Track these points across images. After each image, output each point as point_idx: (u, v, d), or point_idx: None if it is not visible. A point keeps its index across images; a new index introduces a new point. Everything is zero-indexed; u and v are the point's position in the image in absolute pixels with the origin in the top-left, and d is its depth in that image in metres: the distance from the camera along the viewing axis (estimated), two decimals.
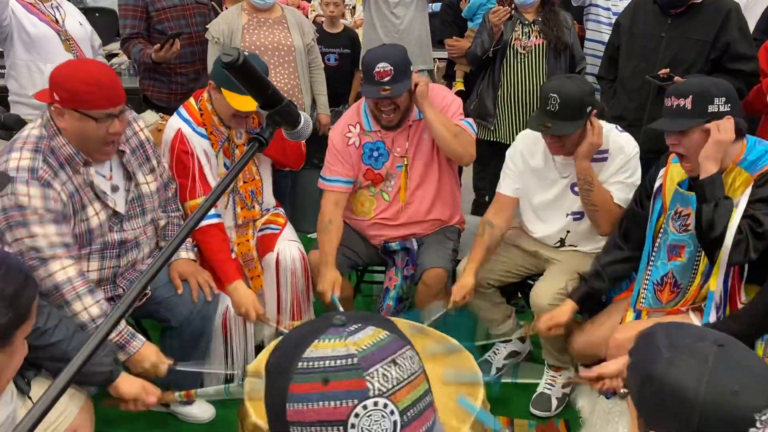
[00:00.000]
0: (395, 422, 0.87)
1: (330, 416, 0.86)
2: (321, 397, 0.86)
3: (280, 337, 2.36)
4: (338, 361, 0.88)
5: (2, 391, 1.41)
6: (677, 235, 2.28)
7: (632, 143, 2.62)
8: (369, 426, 0.86)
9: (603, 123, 2.62)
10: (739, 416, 1.01)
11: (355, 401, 0.86)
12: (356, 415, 0.86)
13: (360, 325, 0.93)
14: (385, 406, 0.87)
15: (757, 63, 3.04)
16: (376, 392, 0.87)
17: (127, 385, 2.08)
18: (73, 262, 2.17)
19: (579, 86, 2.55)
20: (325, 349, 0.89)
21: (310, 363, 0.89)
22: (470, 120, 2.94)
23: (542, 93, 2.57)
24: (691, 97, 2.12)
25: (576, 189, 2.66)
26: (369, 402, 0.86)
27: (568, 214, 2.73)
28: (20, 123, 1.93)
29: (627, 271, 2.53)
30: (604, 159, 2.62)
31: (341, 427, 0.86)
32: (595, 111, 2.55)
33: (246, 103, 2.56)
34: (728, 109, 2.12)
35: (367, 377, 0.87)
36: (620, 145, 2.61)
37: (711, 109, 2.11)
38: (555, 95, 2.48)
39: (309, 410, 0.87)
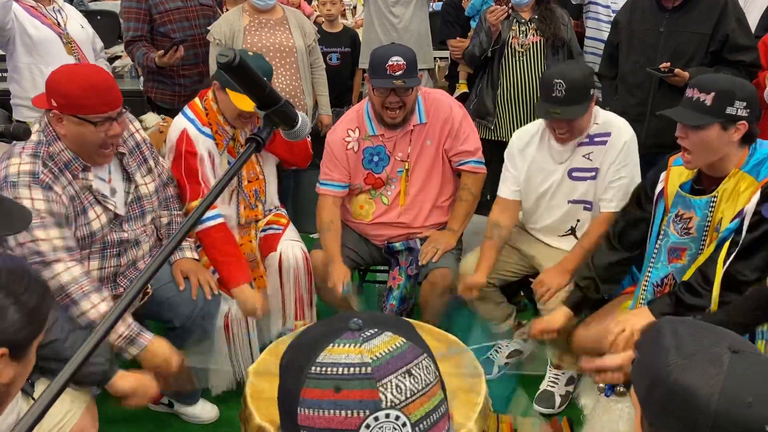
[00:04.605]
0: None
1: (340, 425, 0.85)
2: (332, 405, 0.85)
3: (288, 335, 2.39)
4: (351, 369, 0.86)
5: (13, 398, 1.42)
6: (678, 237, 2.25)
7: (630, 128, 2.64)
8: None
9: (599, 110, 2.64)
10: (750, 429, 0.99)
11: (367, 412, 0.85)
12: (367, 426, 0.85)
13: (376, 330, 0.91)
14: (397, 418, 0.86)
15: (757, 53, 3.04)
16: (389, 404, 0.85)
17: (124, 381, 2.06)
18: (76, 264, 2.18)
19: (581, 69, 2.60)
20: (339, 354, 0.88)
21: (323, 368, 0.87)
22: (481, 157, 2.99)
23: (544, 81, 2.57)
24: (713, 93, 2.06)
25: (574, 174, 2.67)
26: (381, 414, 0.85)
27: (569, 201, 2.73)
28: (28, 133, 1.95)
29: (621, 273, 2.52)
30: (604, 143, 2.62)
31: None
32: (596, 93, 2.56)
33: (251, 103, 2.56)
34: (746, 114, 2.06)
35: (380, 388, 0.85)
36: (620, 128, 2.63)
37: (729, 110, 2.05)
38: (560, 80, 2.49)
39: (320, 417, 0.86)
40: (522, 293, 3.16)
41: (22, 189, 2.11)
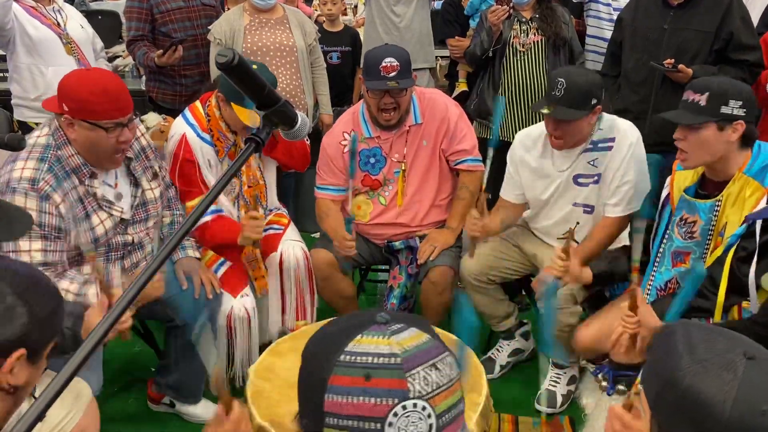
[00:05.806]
0: (431, 425, 0.89)
1: (369, 412, 0.88)
2: (362, 392, 0.88)
3: (289, 335, 2.38)
4: (381, 359, 0.89)
5: (23, 401, 1.45)
6: (682, 242, 2.24)
7: (635, 129, 2.63)
8: (406, 426, 0.88)
9: (603, 114, 2.62)
10: None
11: (396, 400, 0.88)
12: (395, 414, 0.87)
13: (402, 325, 0.94)
14: (424, 408, 0.89)
15: (761, 52, 3.03)
16: (416, 394, 0.88)
17: (93, 318, 1.94)
18: (50, 275, 2.16)
19: (587, 76, 2.57)
20: (368, 344, 0.91)
21: (353, 357, 0.90)
22: (478, 155, 2.98)
23: (550, 78, 2.58)
24: (707, 94, 2.09)
25: (580, 180, 2.66)
26: (408, 403, 0.88)
27: (574, 204, 2.71)
28: (23, 143, 1.96)
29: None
30: (609, 148, 2.61)
31: (379, 424, 0.87)
32: (600, 107, 2.55)
33: (256, 117, 2.56)
34: (743, 114, 2.07)
35: (409, 378, 0.89)
36: (624, 131, 2.61)
37: (724, 110, 2.07)
38: (562, 80, 2.49)
39: (348, 404, 0.88)
40: (523, 292, 3.16)
41: (18, 196, 2.12)
